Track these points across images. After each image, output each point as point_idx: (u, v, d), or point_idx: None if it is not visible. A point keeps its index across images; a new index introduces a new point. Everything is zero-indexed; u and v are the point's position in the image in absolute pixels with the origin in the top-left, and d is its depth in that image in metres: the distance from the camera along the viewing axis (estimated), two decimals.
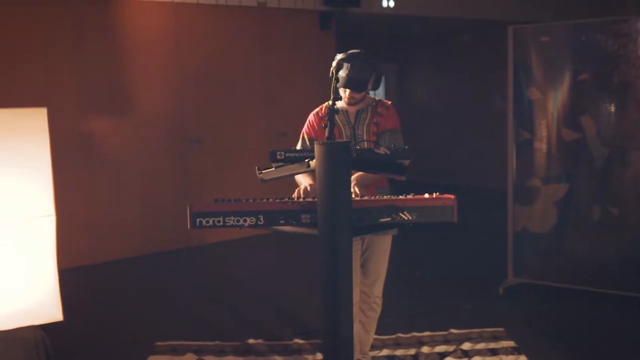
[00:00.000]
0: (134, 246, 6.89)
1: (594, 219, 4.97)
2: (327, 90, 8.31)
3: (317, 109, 3.58)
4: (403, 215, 2.74)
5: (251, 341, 4.44)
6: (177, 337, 4.54)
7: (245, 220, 2.89)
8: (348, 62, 3.32)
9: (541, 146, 5.10)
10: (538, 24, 5.28)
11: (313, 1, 7.81)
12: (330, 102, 3.02)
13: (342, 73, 3.32)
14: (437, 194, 2.78)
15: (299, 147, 3.55)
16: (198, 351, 4.32)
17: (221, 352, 4.31)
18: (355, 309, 3.53)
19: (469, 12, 8.95)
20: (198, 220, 2.92)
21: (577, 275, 5.04)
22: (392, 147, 3.07)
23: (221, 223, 2.91)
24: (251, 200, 2.98)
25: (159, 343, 4.45)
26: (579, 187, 5.01)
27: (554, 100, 5.03)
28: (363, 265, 3.60)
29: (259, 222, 2.87)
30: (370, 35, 10.45)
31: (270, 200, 2.93)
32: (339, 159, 2.66)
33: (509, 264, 5.30)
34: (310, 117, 3.57)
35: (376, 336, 3.99)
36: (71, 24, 6.45)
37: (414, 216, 2.73)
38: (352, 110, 3.47)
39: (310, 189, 3.20)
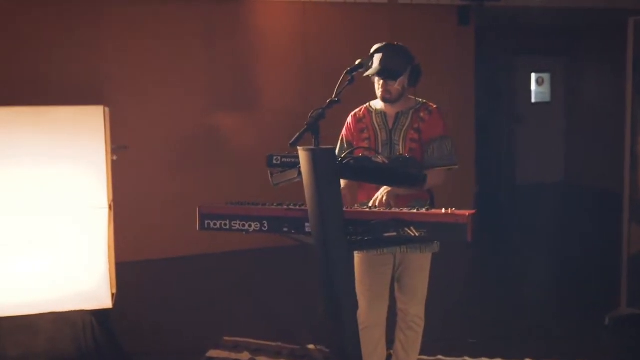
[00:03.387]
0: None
1: None
2: (464, 89, 7.97)
3: (357, 110, 3.36)
4: (410, 231, 2.48)
5: (311, 347, 4.34)
6: (244, 334, 4.58)
7: (250, 225, 2.82)
8: (380, 52, 3.10)
9: None
10: None
11: None
12: (334, 97, 2.78)
13: (375, 62, 3.09)
14: (453, 209, 2.49)
15: (337, 151, 3.36)
16: (256, 350, 4.32)
17: (277, 354, 4.27)
18: (381, 330, 3.32)
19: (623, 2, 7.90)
20: (206, 222, 2.92)
21: None
22: (393, 156, 2.84)
23: (228, 227, 2.87)
24: (260, 205, 2.90)
25: (226, 338, 4.52)
26: None
27: None
28: (399, 281, 3.34)
29: (263, 228, 2.77)
30: (520, 30, 9.70)
31: (275, 205, 2.82)
32: (322, 167, 2.48)
33: (622, 291, 4.59)
34: (349, 118, 3.37)
35: (422, 357, 3.69)
36: (200, 26, 6.78)
37: (423, 232, 2.46)
38: (391, 112, 3.23)
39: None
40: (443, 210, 2.46)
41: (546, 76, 11.00)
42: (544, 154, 10.83)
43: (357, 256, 3.23)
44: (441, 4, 7.47)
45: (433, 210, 2.49)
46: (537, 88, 11.05)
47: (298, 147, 2.54)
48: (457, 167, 3.21)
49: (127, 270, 4.94)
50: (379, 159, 2.64)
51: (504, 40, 9.98)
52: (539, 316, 4.86)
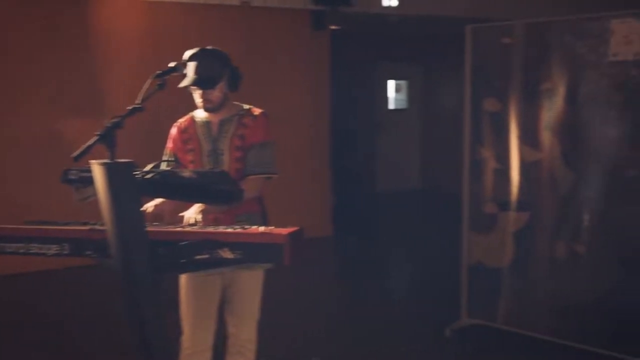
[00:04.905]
0: None
1: (558, 257, 4.16)
2: (318, 94, 7.81)
3: (182, 120, 3.10)
4: (223, 253, 2.21)
5: None
6: None
7: (49, 249, 2.50)
8: (194, 60, 2.85)
9: (498, 166, 4.35)
10: (498, 22, 4.52)
11: (303, 0, 7.24)
12: (137, 103, 2.45)
13: (190, 72, 2.83)
14: (272, 228, 2.23)
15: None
16: None
17: None
18: (207, 356, 3.07)
19: (481, 10, 8.12)
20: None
21: (537, 321, 4.25)
22: (201, 170, 2.59)
23: (24, 250, 2.53)
24: (63, 224, 2.58)
25: None
26: (540, 217, 4.23)
27: (515, 113, 4.27)
28: (228, 302, 3.08)
29: (63, 252, 2.44)
30: (378, 37, 9.76)
31: (81, 225, 2.51)
32: (119, 183, 2.20)
33: (463, 301, 4.56)
34: (172, 129, 3.09)
35: None
36: (45, 26, 6.21)
37: (239, 254, 2.20)
38: (215, 120, 2.99)
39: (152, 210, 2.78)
40: (260, 229, 2.23)
41: (404, 83, 11.16)
42: (402, 160, 10.98)
43: (182, 277, 3.00)
44: (295, 8, 7.28)
45: (251, 229, 2.25)
46: (394, 95, 11.19)
47: (90, 161, 2.22)
48: (277, 175, 3.00)
49: None
50: (187, 173, 2.39)
51: (362, 47, 9.99)
52: (381, 330, 4.72)
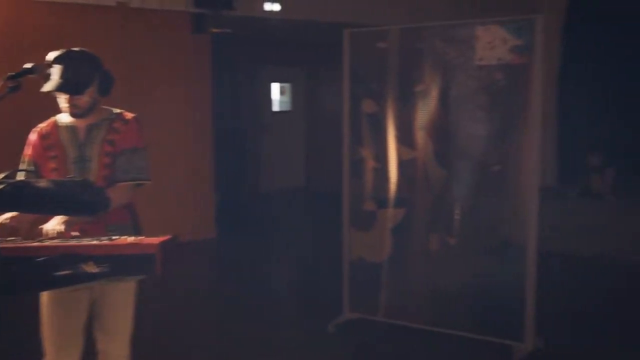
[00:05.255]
0: None
1: (432, 249, 4.39)
2: (199, 97, 7.69)
3: (43, 125, 2.87)
4: (87, 267, 2.06)
5: None
6: None
7: None
8: (60, 62, 2.67)
9: (376, 165, 4.53)
10: (374, 27, 4.71)
11: (183, 2, 7.15)
12: None
13: (54, 75, 2.65)
14: (142, 238, 2.15)
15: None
16: None
17: None
18: None
19: (359, 17, 8.38)
20: None
21: (416, 312, 4.46)
22: (60, 180, 2.34)
23: None
24: None
25: None
26: (416, 212, 4.44)
27: (391, 114, 4.46)
28: (97, 318, 2.88)
29: None
30: (262, 40, 9.82)
31: None
32: None
33: (345, 296, 4.70)
34: (32, 135, 2.86)
35: None
36: None
37: (104, 268, 2.06)
38: (82, 125, 2.80)
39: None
40: (129, 239, 2.15)
41: (287, 86, 11.30)
42: (286, 161, 11.10)
43: (44, 295, 2.77)
44: (175, 10, 7.18)
45: (119, 240, 2.16)
46: (278, 97, 11.30)
47: None
48: (150, 182, 2.88)
49: None
50: (43, 183, 2.19)
51: (247, 50, 10.00)
52: (265, 330, 4.75)
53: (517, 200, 4.12)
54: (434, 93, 4.31)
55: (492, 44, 4.09)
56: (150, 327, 3.36)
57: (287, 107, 11.39)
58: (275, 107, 11.30)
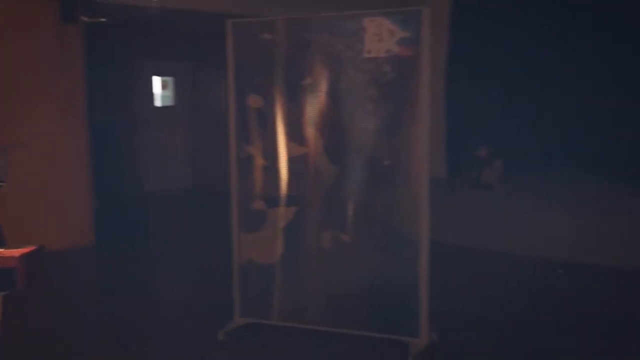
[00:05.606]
0: None
1: (325, 247, 4.27)
2: (71, 92, 7.15)
3: None
4: None
5: None
6: None
7: None
8: None
9: (265, 163, 4.34)
10: (258, 18, 4.51)
11: None
12: None
13: None
14: (4, 250, 1.88)
15: None
16: None
17: None
18: None
19: (245, 6, 8.14)
20: None
21: (311, 313, 4.32)
22: None
23: None
24: None
25: None
26: (307, 210, 4.30)
27: (279, 109, 4.28)
28: None
29: None
30: (142, 32, 9.36)
31: None
32: None
33: (235, 300, 4.48)
34: None
35: None
36: None
37: None
38: None
39: None
40: None
41: (170, 80, 10.86)
42: (171, 159, 10.69)
43: None
44: None
45: None
46: (160, 92, 10.85)
47: None
48: (4, 183, 2.60)
49: None
50: None
51: (125, 41, 9.49)
52: (152, 340, 4.47)
53: (409, 194, 4.07)
54: (323, 87, 4.17)
55: (379, 36, 4.01)
56: (21, 346, 3.02)
57: (169, 102, 10.95)
58: (158, 103, 10.83)
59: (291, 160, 4.28)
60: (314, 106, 4.20)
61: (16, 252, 1.95)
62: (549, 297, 5.19)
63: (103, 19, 7.52)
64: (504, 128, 6.80)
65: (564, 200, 6.47)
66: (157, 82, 10.77)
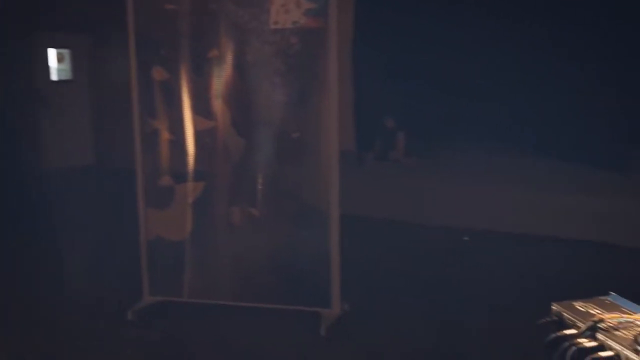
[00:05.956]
0: None
1: (234, 222, 4.22)
2: None
3: None
4: None
5: None
6: None
7: None
8: None
9: (171, 137, 4.22)
10: None
11: None
12: None
13: None
14: None
15: None
16: None
17: None
18: None
19: None
20: None
21: (222, 289, 4.28)
22: None
23: None
24: None
25: None
26: (216, 185, 4.23)
27: (185, 82, 4.16)
28: None
29: None
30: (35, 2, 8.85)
31: None
32: None
33: (144, 279, 4.37)
34: None
35: None
36: None
37: None
38: None
39: None
40: None
41: (66, 52, 10.33)
42: (70, 136, 10.22)
43: None
44: None
45: None
46: (57, 65, 10.31)
47: None
48: None
49: None
50: None
51: (15, 10, 8.92)
52: (61, 325, 4.29)
53: (318, 166, 4.08)
54: (229, 59, 4.09)
55: (286, 7, 3.96)
56: None
57: (67, 76, 10.43)
58: (54, 77, 10.29)
59: (198, 134, 4.19)
60: (220, 79, 4.11)
61: None
62: (455, 264, 5.36)
63: None
64: (410, 100, 6.91)
65: (468, 171, 6.68)
66: (52, 54, 10.22)
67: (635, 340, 1.37)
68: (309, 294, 4.13)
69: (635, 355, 1.34)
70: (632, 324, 1.46)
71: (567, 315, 1.56)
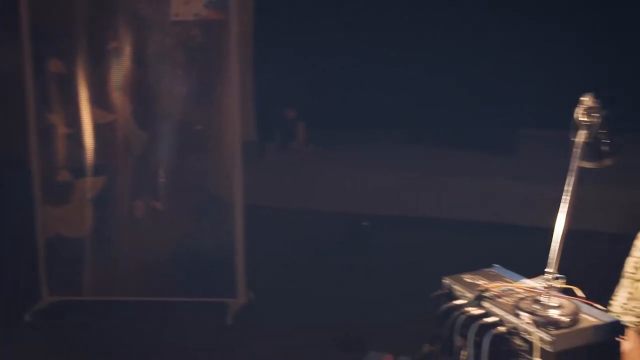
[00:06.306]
0: None
1: (137, 217, 4.18)
2: None
3: None
4: None
5: None
6: None
7: None
8: None
9: (69, 131, 4.12)
10: None
11: None
12: None
13: None
14: None
15: None
16: None
17: None
18: None
19: None
20: None
21: (125, 285, 4.23)
22: None
23: None
24: None
25: None
26: (117, 179, 4.17)
27: (83, 74, 4.06)
28: None
29: None
30: None
31: None
32: None
33: (42, 279, 4.24)
34: None
35: None
36: None
37: None
38: None
39: None
40: None
41: None
42: None
43: None
44: None
45: None
46: None
47: None
48: None
49: None
50: None
51: None
52: None
53: (221, 158, 4.11)
54: (129, 51, 4.04)
55: None
56: None
57: None
58: None
59: (98, 128, 4.11)
60: (121, 71, 4.05)
61: None
62: (357, 248, 5.49)
63: None
64: (310, 90, 7.02)
65: (368, 159, 6.86)
66: None
67: (516, 306, 1.52)
68: (215, 285, 4.16)
69: (516, 318, 1.48)
70: (513, 292, 1.61)
71: (457, 287, 1.70)
